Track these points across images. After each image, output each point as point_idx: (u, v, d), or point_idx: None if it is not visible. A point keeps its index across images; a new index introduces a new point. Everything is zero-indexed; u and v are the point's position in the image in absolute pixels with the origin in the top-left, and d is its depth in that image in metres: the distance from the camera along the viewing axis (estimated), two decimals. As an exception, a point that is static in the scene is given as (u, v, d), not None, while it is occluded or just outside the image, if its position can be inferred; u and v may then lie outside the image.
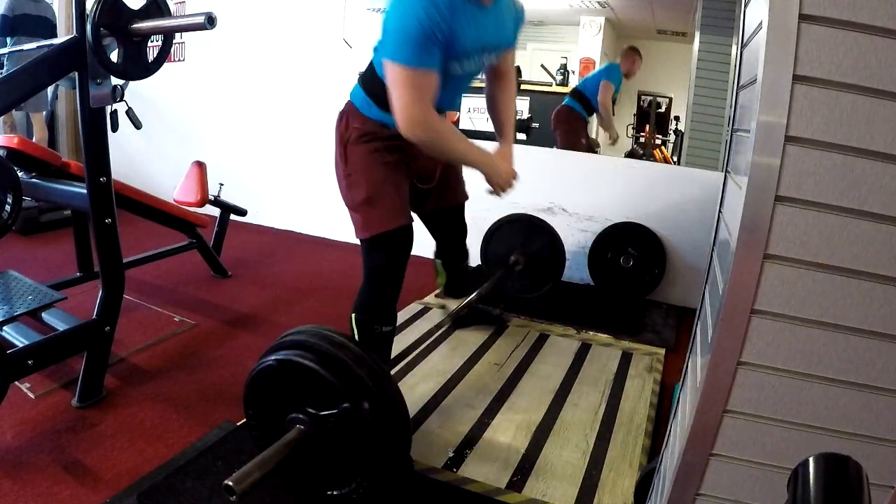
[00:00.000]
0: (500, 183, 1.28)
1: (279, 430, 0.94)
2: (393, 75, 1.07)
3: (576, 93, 2.85)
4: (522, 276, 2.13)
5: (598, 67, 3.17)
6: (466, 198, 1.58)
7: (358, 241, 1.27)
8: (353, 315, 1.26)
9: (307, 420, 0.92)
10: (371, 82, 1.22)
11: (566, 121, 2.79)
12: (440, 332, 1.47)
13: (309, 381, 0.92)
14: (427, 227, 1.59)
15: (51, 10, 2.92)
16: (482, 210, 2.52)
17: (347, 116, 1.27)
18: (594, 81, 2.82)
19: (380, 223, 1.20)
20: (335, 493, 0.94)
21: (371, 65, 1.24)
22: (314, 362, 0.91)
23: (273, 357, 0.95)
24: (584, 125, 2.78)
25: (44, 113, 2.88)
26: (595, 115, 2.79)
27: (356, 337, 1.25)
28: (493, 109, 1.46)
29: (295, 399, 0.94)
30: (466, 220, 1.75)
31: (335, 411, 0.89)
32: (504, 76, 1.41)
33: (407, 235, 1.23)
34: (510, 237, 2.16)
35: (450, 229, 1.60)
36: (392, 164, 1.24)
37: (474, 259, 2.45)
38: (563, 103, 2.83)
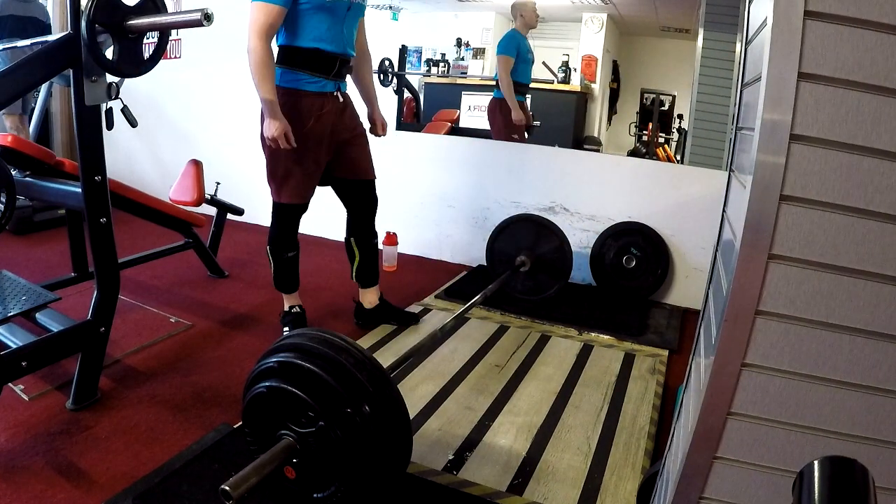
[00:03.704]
0: (268, 134, 1.51)
1: (276, 436, 0.93)
2: (251, 13, 1.52)
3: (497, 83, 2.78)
4: (528, 278, 2.12)
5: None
6: (374, 176, 1.82)
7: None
8: (268, 248, 1.71)
9: (306, 425, 0.91)
10: (280, 56, 1.58)
11: (493, 112, 2.73)
12: (441, 333, 1.46)
13: (310, 384, 0.90)
14: (339, 197, 1.84)
15: (42, 11, 2.86)
16: (482, 209, 2.52)
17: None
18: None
19: (286, 194, 1.64)
20: (321, 495, 0.93)
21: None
22: (316, 366, 0.90)
23: (273, 359, 0.94)
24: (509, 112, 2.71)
25: (18, 115, 2.84)
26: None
27: (272, 263, 1.72)
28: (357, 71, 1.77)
29: (295, 403, 0.92)
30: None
31: (335, 418, 0.88)
32: (360, 41, 1.74)
33: (300, 213, 1.71)
34: (517, 238, 2.15)
35: (360, 203, 1.82)
36: (309, 131, 1.57)
37: (478, 259, 2.45)
38: (494, 96, 2.78)
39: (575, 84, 3.58)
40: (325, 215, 2.96)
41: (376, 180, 1.80)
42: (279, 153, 1.54)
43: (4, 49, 1.55)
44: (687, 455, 0.64)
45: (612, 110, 3.34)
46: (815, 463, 0.38)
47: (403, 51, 3.66)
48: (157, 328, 1.77)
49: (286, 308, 1.80)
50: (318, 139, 1.58)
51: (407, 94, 3.67)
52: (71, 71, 1.23)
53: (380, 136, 1.82)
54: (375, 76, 3.47)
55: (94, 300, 1.35)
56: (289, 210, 1.65)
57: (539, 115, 3.18)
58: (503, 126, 2.68)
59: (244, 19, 3.20)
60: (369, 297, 1.86)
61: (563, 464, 1.22)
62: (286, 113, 1.50)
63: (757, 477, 0.62)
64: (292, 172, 1.59)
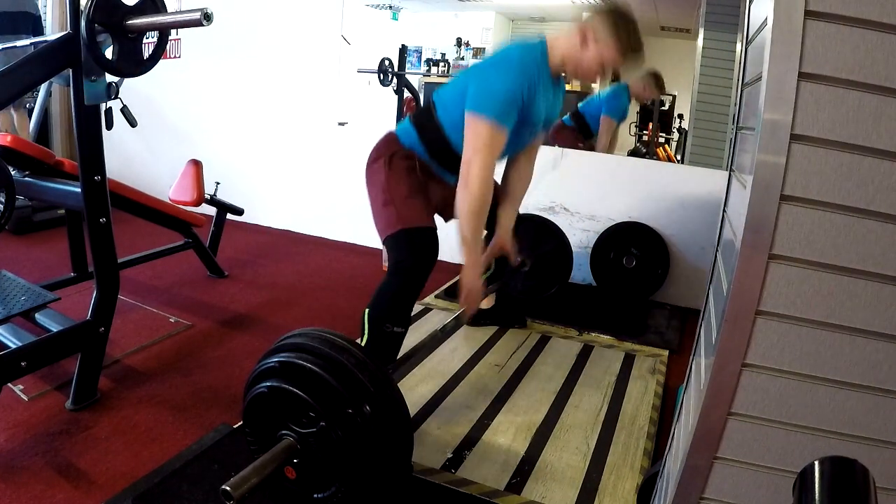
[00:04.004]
0: (466, 294, 1.29)
1: (277, 436, 0.93)
2: (474, 126, 1.19)
3: (577, 115, 2.72)
4: (528, 278, 2.11)
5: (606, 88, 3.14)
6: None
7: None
8: (367, 310, 1.25)
9: (307, 425, 0.91)
10: (428, 129, 1.33)
11: (568, 142, 2.67)
12: (441, 333, 1.46)
13: (311, 385, 0.90)
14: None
15: (32, 3, 2.85)
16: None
17: (394, 143, 1.37)
18: (596, 108, 2.70)
19: (411, 219, 1.26)
20: (321, 496, 0.93)
21: (428, 111, 1.33)
22: (317, 366, 0.90)
23: (274, 359, 0.94)
24: (582, 140, 2.70)
25: (24, 110, 2.84)
26: (593, 138, 2.68)
27: (366, 333, 1.25)
28: (505, 185, 1.52)
29: (296, 403, 0.92)
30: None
31: (336, 418, 0.88)
32: (528, 156, 1.50)
33: (433, 237, 1.26)
34: (517, 238, 2.15)
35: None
36: (426, 183, 1.37)
37: None
38: (563, 121, 2.71)
39: (575, 84, 3.57)
40: (325, 215, 2.97)
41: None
42: (402, 177, 1.29)
43: (3, 49, 1.55)
44: (687, 455, 0.64)
45: (613, 110, 3.33)
46: (816, 463, 0.38)
47: (403, 50, 3.66)
48: (156, 328, 1.77)
49: None
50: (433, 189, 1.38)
51: (407, 94, 3.67)
52: (70, 71, 1.22)
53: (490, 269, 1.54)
54: (375, 76, 3.46)
55: (93, 300, 1.35)
56: (418, 238, 1.23)
57: (539, 115, 3.17)
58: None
59: (243, 17, 3.15)
60: (487, 300, 1.84)
61: (562, 463, 1.22)
62: (403, 161, 1.31)
63: (757, 477, 0.62)
64: (414, 195, 1.30)
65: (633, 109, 2.85)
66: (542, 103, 1.27)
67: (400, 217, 1.26)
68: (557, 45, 1.25)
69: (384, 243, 1.29)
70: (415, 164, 1.34)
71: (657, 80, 2.65)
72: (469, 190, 1.19)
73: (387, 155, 1.34)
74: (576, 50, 1.23)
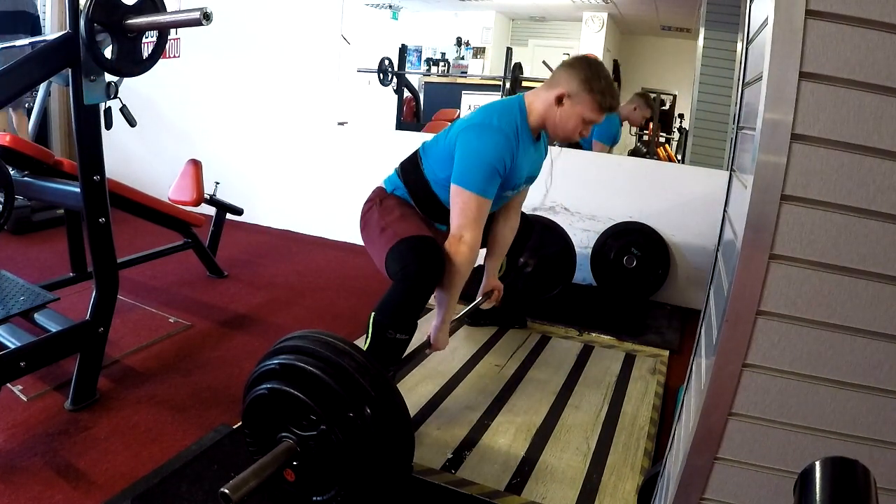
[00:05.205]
0: (438, 345, 1.36)
1: (276, 438, 0.93)
2: (461, 199, 1.23)
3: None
4: (530, 279, 2.11)
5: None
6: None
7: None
8: (373, 314, 1.24)
9: (307, 428, 0.90)
10: (415, 182, 1.38)
11: None
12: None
13: (312, 387, 0.90)
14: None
15: (30, 3, 2.84)
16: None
17: (382, 191, 1.44)
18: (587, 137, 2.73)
19: (409, 231, 1.28)
20: (320, 499, 0.92)
21: (415, 164, 1.38)
22: (318, 369, 0.89)
23: (275, 361, 0.94)
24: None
25: (23, 110, 2.84)
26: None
27: (369, 336, 1.24)
28: (493, 235, 1.57)
29: (296, 405, 0.92)
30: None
31: (336, 422, 0.87)
32: (516, 206, 1.56)
33: (436, 246, 1.25)
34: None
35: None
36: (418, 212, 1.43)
37: (478, 259, 2.43)
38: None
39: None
40: (325, 215, 2.97)
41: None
42: (394, 207, 1.35)
43: (2, 48, 1.55)
44: (688, 456, 0.63)
45: (612, 110, 3.33)
46: (817, 463, 0.38)
47: (403, 50, 3.66)
48: (156, 328, 1.77)
49: None
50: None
51: (407, 94, 3.67)
52: (70, 70, 1.22)
53: (486, 307, 1.67)
54: (375, 76, 3.45)
55: (92, 300, 1.34)
56: (419, 244, 1.22)
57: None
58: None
59: (242, 17, 3.15)
60: (488, 301, 1.83)
61: (562, 464, 1.22)
62: (394, 199, 1.38)
63: (758, 477, 0.62)
64: (410, 217, 1.34)
65: (627, 129, 2.85)
66: (524, 164, 1.31)
67: (396, 233, 1.27)
68: (535, 105, 1.28)
69: (386, 266, 1.27)
70: (405, 201, 1.40)
71: (646, 100, 2.65)
72: (460, 259, 1.22)
73: (377, 199, 1.40)
74: (553, 110, 1.26)
